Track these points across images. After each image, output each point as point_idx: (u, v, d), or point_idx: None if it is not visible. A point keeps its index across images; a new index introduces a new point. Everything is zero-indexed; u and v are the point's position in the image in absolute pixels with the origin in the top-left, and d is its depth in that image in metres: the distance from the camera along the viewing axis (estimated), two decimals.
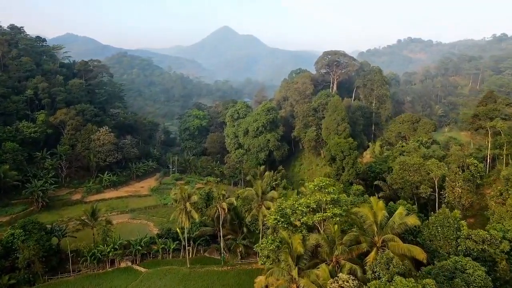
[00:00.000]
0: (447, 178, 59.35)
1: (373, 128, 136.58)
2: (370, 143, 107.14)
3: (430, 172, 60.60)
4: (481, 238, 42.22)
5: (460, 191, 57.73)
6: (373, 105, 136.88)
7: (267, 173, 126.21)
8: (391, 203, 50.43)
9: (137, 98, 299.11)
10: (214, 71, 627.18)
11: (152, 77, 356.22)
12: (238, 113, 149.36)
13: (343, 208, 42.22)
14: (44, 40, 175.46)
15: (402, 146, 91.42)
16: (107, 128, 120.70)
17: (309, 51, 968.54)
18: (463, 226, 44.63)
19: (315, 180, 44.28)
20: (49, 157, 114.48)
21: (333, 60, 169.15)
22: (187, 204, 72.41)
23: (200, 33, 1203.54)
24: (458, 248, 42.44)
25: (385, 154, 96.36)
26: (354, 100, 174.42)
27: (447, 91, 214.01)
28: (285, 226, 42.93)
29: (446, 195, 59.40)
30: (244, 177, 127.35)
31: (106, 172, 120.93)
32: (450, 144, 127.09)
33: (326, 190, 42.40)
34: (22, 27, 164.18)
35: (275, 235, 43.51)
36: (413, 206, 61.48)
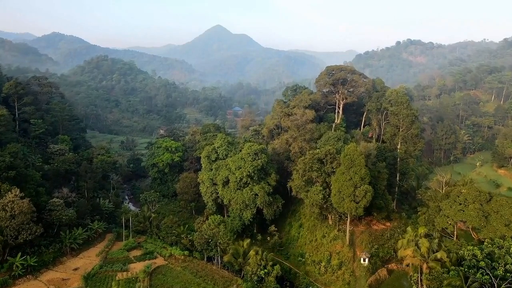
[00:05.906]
0: None
1: (397, 179, 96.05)
2: (409, 227, 66.76)
3: None
4: None
5: None
6: (398, 147, 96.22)
7: (252, 251, 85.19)
8: None
9: (113, 109, 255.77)
10: (205, 72, 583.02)
11: (134, 83, 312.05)
12: (216, 153, 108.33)
13: None
14: None
15: (477, 261, 51.31)
16: (17, 193, 78.63)
17: (302, 50, 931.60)
18: None
19: None
20: None
21: (338, 78, 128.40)
22: None
23: (193, 32, 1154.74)
24: None
25: (436, 253, 56.21)
26: (364, 126, 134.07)
27: (470, 110, 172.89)
28: None
29: None
30: (222, 253, 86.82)
31: (20, 253, 79.55)
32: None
33: None
34: None
35: None
36: None
